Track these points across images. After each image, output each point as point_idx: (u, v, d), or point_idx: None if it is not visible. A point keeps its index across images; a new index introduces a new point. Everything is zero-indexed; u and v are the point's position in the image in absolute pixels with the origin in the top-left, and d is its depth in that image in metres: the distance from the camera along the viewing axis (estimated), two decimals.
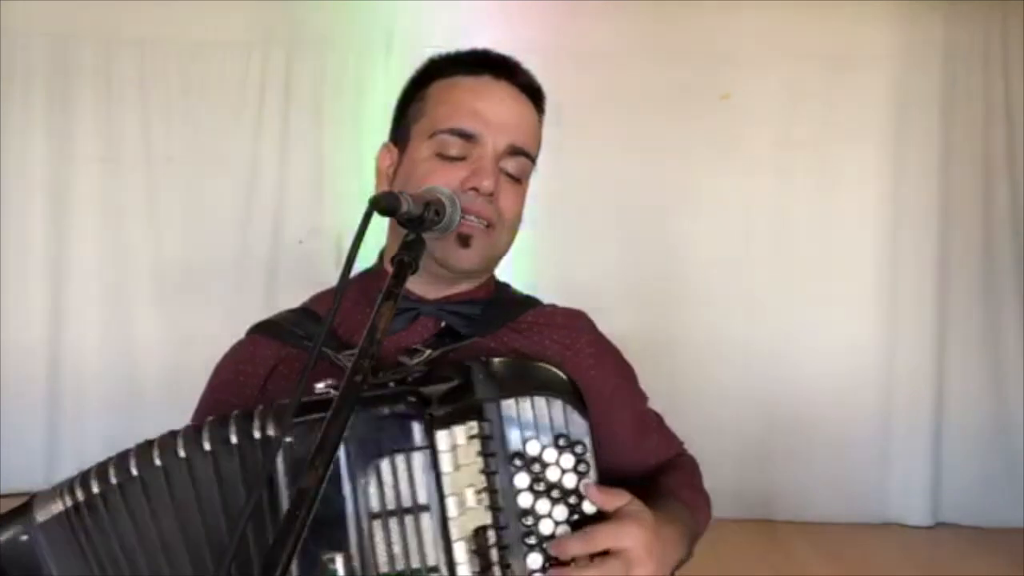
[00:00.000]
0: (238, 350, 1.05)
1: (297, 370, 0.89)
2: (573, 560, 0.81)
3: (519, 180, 1.01)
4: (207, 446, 0.79)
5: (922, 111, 3.98)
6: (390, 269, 0.80)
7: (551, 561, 0.81)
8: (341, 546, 0.75)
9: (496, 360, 0.87)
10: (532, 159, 1.02)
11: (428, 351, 0.92)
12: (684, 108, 3.95)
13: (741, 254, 4.00)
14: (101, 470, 0.82)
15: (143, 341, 3.98)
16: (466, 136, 0.97)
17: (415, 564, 0.76)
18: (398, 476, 0.77)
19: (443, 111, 0.99)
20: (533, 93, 1.03)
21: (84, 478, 0.82)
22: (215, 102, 4.01)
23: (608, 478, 0.85)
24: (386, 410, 0.78)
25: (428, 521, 0.77)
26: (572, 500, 0.83)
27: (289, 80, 4.04)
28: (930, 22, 3.98)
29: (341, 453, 0.77)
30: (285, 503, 0.77)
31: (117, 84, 3.99)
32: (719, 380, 3.90)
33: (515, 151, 0.99)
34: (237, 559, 0.76)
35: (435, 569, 0.76)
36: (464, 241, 0.95)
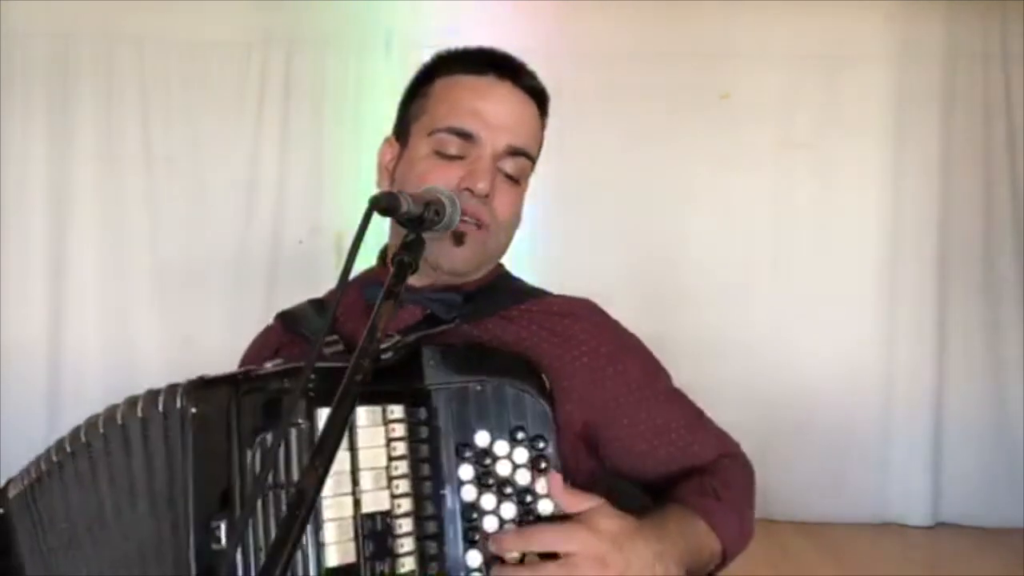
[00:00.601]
0: (260, 335, 1.11)
1: (293, 357, 0.89)
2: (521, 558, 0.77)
3: (517, 181, 1.00)
4: (145, 413, 0.82)
5: (922, 110, 3.98)
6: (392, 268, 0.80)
7: (494, 559, 0.77)
8: (225, 514, 0.75)
9: (454, 345, 0.85)
10: (531, 160, 1.02)
11: (398, 337, 0.89)
12: (684, 108, 3.95)
13: (741, 254, 4.00)
14: (59, 443, 0.88)
15: (143, 341, 3.98)
16: (464, 135, 0.97)
17: (267, 538, 0.75)
18: (278, 452, 0.76)
19: (443, 109, 0.99)
20: (536, 95, 1.03)
21: (47, 452, 0.89)
22: (215, 102, 4.00)
23: (620, 486, 0.84)
24: (276, 385, 0.78)
25: (285, 498, 0.75)
26: (526, 498, 0.79)
27: (289, 80, 4.03)
28: (930, 21, 3.98)
29: (234, 426, 0.77)
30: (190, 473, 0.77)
31: (117, 84, 3.99)
32: (718, 380, 3.88)
33: (514, 152, 0.99)
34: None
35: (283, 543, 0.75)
36: (458, 239, 0.94)
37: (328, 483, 0.73)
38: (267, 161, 4.04)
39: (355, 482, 0.76)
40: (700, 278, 3.99)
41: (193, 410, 0.78)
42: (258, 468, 0.75)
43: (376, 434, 0.78)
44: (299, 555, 0.73)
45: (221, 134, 4.02)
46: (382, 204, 0.79)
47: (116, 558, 0.81)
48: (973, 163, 3.98)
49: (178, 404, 0.80)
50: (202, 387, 0.80)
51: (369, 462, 0.77)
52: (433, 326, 0.94)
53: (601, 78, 3.93)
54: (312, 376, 0.75)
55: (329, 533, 0.74)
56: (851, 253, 4.02)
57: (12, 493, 0.90)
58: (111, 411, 0.85)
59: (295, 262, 3.94)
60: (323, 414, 0.75)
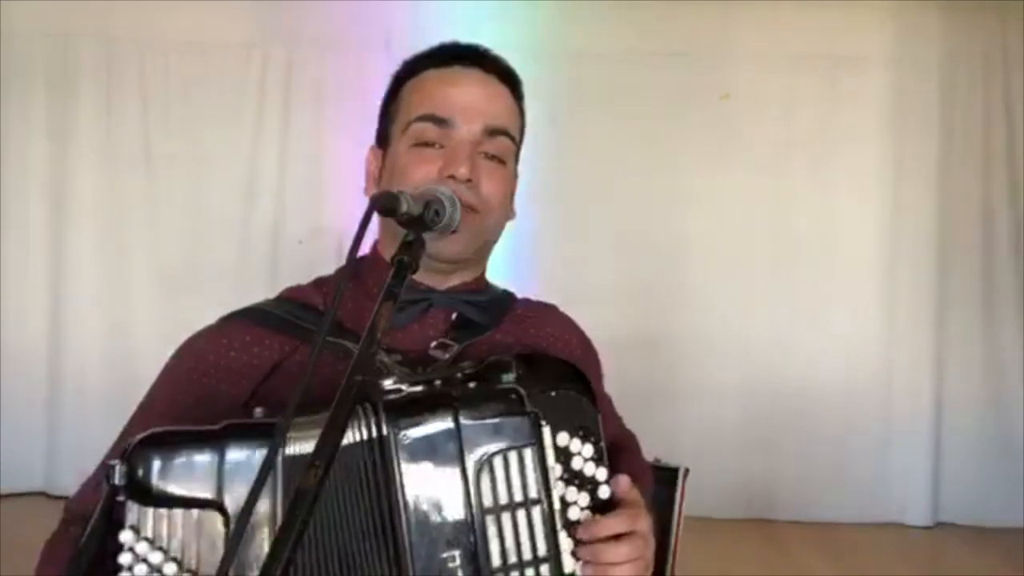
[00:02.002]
0: (220, 335, 1.00)
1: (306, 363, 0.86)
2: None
3: (503, 161, 1.00)
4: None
5: (922, 111, 3.98)
6: (385, 257, 0.80)
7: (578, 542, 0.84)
8: (458, 543, 0.77)
9: (523, 357, 0.89)
10: (512, 139, 1.02)
11: (455, 344, 0.95)
12: (684, 108, 3.95)
13: (741, 254, 4.00)
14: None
15: (143, 341, 3.97)
16: (439, 121, 0.97)
17: (527, 556, 0.79)
18: (510, 472, 0.80)
19: (415, 101, 1.00)
20: (506, 77, 1.03)
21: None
22: (215, 102, 4.01)
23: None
24: (496, 407, 0.81)
25: (538, 514, 0.80)
26: (591, 487, 0.86)
27: (289, 80, 4.03)
28: (929, 22, 3.99)
29: (454, 450, 0.79)
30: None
31: (117, 84, 3.99)
32: (719, 380, 3.90)
33: (492, 131, 0.98)
34: None
35: (546, 560, 0.80)
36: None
37: (555, 495, 0.81)
38: (267, 161, 4.04)
39: (561, 494, 0.83)
40: (700, 278, 3.99)
41: (407, 433, 0.78)
42: (487, 491, 0.79)
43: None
44: (544, 567, 0.80)
45: (221, 134, 4.02)
46: (382, 204, 0.80)
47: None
48: (972, 163, 3.98)
49: (383, 430, 0.78)
50: (409, 405, 0.80)
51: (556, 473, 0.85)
52: (465, 328, 0.99)
53: (601, 78, 3.93)
54: (513, 396, 0.83)
55: (564, 541, 0.82)
56: (851, 253, 4.02)
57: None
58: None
59: (295, 262, 3.94)
60: (546, 432, 0.82)
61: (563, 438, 0.85)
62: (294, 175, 4.05)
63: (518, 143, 1.04)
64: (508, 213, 1.04)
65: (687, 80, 3.95)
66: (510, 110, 1.03)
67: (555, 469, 0.83)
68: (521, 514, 0.79)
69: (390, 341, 0.95)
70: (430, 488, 0.77)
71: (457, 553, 0.76)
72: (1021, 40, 3.93)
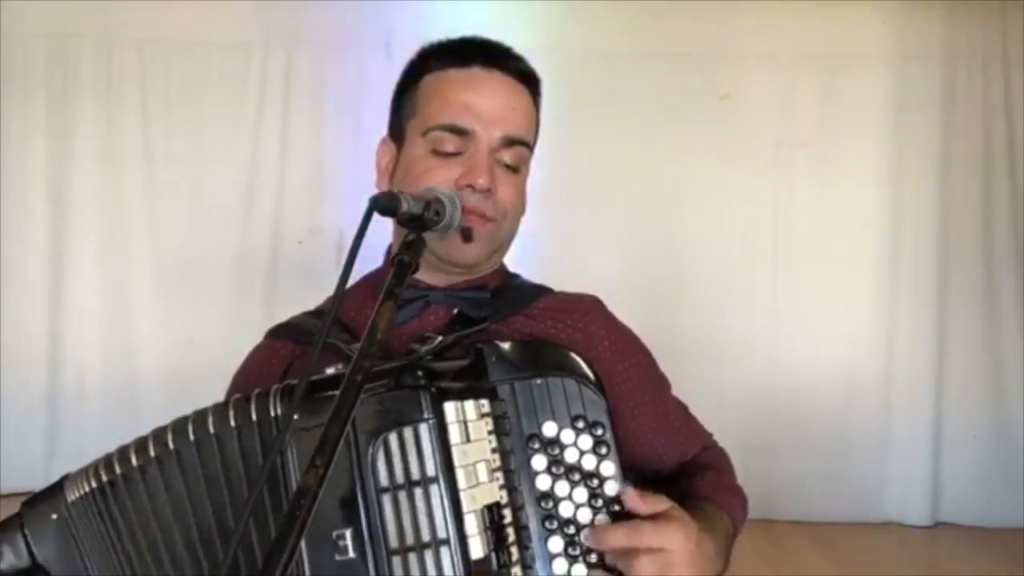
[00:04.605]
0: (256, 354, 1.06)
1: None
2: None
3: (517, 169, 1.00)
4: (232, 422, 0.80)
5: (922, 111, 3.98)
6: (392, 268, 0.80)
7: (574, 545, 0.81)
8: (351, 522, 0.74)
9: (508, 343, 0.87)
10: (529, 147, 1.01)
11: (440, 337, 0.91)
12: (684, 108, 3.95)
13: (741, 254, 4.00)
14: (125, 451, 0.84)
15: (143, 341, 3.98)
16: (459, 131, 0.96)
17: (425, 537, 0.74)
18: (406, 449, 0.75)
19: (435, 107, 0.98)
20: (526, 78, 1.02)
21: (110, 459, 0.84)
22: (215, 102, 4.00)
23: (630, 472, 0.85)
24: (392, 383, 0.77)
25: (437, 493, 0.74)
26: (593, 482, 0.82)
27: (289, 80, 4.03)
28: (929, 22, 3.98)
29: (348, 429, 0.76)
30: (293, 484, 0.76)
31: (117, 84, 3.99)
32: (718, 380, 3.90)
33: (510, 142, 0.98)
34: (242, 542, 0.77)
35: (445, 542, 0.74)
36: (466, 235, 0.94)
37: (462, 475, 0.75)
38: (267, 161, 4.04)
39: (474, 474, 0.77)
40: (700, 278, 3.99)
41: (297, 416, 0.75)
42: (383, 469, 0.74)
43: (480, 428, 0.80)
44: (444, 549, 0.73)
45: (221, 134, 4.01)
46: (382, 204, 0.80)
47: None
48: (972, 163, 3.98)
49: (272, 412, 0.78)
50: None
51: (480, 455, 0.78)
52: (465, 325, 0.95)
53: (601, 78, 3.93)
54: (419, 372, 0.77)
55: (470, 525, 0.74)
56: (851, 253, 4.02)
57: (72, 497, 0.86)
58: (200, 416, 0.82)
59: (295, 262, 3.94)
60: (449, 409, 0.76)
61: (550, 428, 0.82)
62: (294, 175, 4.05)
63: (532, 149, 1.03)
64: (520, 215, 1.04)
65: (687, 80, 3.95)
66: (528, 118, 1.01)
67: (483, 447, 0.78)
68: (419, 493, 0.74)
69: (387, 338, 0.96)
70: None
71: (348, 532, 0.73)
72: (1021, 40, 3.93)
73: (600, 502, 0.82)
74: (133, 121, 4.00)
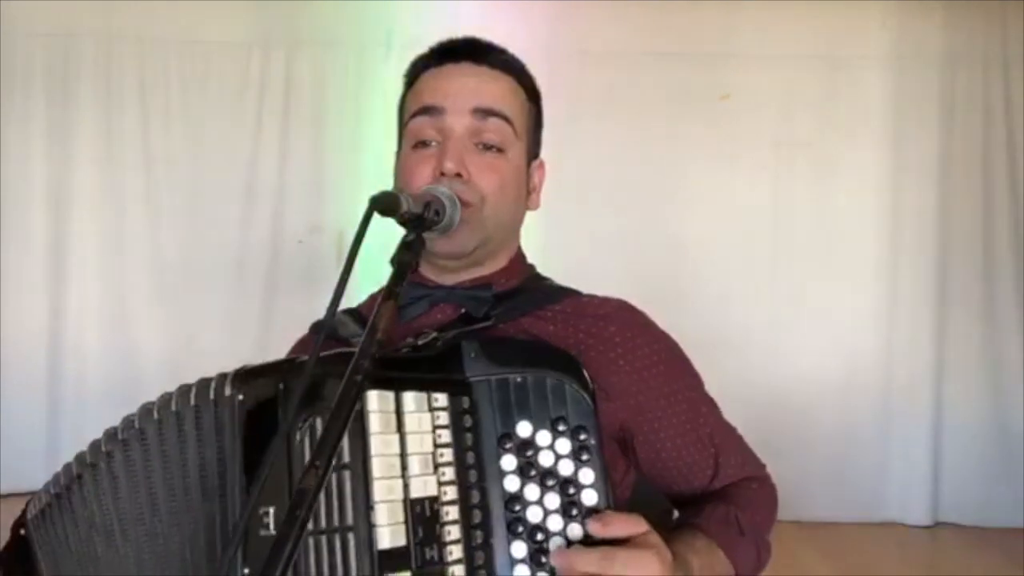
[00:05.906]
0: (299, 347, 1.09)
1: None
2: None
3: (501, 149, 0.98)
4: (198, 400, 0.81)
5: (921, 111, 3.98)
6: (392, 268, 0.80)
7: (543, 553, 0.77)
8: (274, 501, 0.74)
9: (492, 339, 0.85)
10: (509, 122, 0.98)
11: (435, 334, 0.90)
12: (684, 108, 3.95)
13: (741, 254, 4.00)
14: (114, 430, 0.87)
15: (143, 341, 3.98)
16: (429, 110, 0.97)
17: (335, 522, 0.73)
18: (328, 435, 0.74)
19: (411, 102, 1.01)
20: (504, 66, 1.01)
21: (66, 467, 0.87)
22: (215, 102, 4.01)
23: (644, 489, 0.83)
24: (321, 371, 0.75)
25: (349, 481, 0.73)
26: (569, 489, 0.78)
27: (289, 80, 4.04)
28: (929, 22, 3.99)
29: (281, 412, 0.77)
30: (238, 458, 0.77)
31: (117, 84, 3.99)
32: (718, 380, 3.86)
33: (484, 112, 0.96)
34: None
35: (350, 528, 0.72)
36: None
37: (377, 464, 0.73)
38: (267, 161, 4.04)
39: (404, 466, 0.75)
40: (699, 278, 3.99)
41: (240, 397, 0.78)
42: (307, 451, 0.74)
43: (423, 420, 0.77)
44: (350, 536, 0.72)
45: (221, 134, 4.02)
46: (382, 204, 0.79)
47: (166, 549, 0.80)
48: (972, 164, 3.98)
49: (227, 392, 0.79)
50: (248, 374, 0.80)
51: (416, 447, 0.76)
52: (469, 324, 0.94)
53: (601, 78, 3.93)
54: (363, 363, 0.74)
55: (380, 515, 0.73)
56: (851, 253, 4.02)
57: (31, 514, 0.88)
58: (165, 399, 0.84)
59: (295, 262, 3.94)
60: (372, 397, 0.75)
61: (524, 428, 0.79)
62: (294, 175, 4.05)
63: (528, 128, 1.02)
64: (517, 204, 1.02)
65: (687, 80, 3.96)
66: (505, 91, 0.99)
67: (424, 442, 0.76)
68: (334, 478, 0.73)
69: (392, 336, 0.95)
70: (260, 449, 0.76)
71: (271, 509, 0.73)
72: (1021, 40, 3.93)
73: (576, 511, 0.78)
74: (133, 121, 4.01)
